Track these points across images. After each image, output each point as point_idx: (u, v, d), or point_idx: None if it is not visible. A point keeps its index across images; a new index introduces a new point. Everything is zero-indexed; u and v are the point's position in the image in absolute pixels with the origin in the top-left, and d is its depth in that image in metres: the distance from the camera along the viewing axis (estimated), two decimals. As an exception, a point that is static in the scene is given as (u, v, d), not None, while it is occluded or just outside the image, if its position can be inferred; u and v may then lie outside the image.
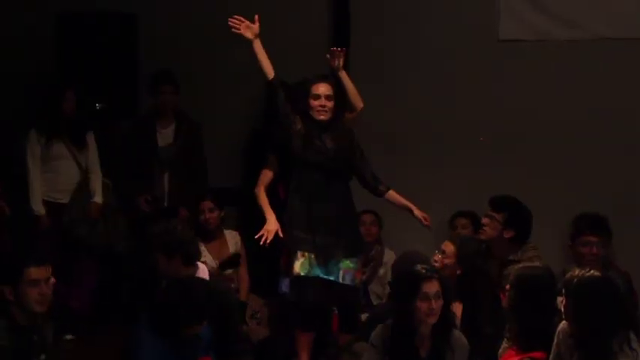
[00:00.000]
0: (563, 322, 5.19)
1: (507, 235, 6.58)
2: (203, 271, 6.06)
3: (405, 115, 8.05)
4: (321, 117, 6.37)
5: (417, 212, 6.54)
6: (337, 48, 6.46)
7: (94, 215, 7.54)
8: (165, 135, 7.78)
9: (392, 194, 6.59)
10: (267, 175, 6.61)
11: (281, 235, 6.31)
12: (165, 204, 7.68)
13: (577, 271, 5.09)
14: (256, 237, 6.33)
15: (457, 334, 5.46)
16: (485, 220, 6.68)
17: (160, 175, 7.70)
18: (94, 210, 7.55)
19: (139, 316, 5.28)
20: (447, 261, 6.26)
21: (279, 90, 6.40)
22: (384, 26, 8.22)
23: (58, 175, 7.52)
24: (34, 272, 4.84)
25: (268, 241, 6.29)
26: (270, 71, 6.37)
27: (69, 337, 7.29)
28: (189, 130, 7.80)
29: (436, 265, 6.12)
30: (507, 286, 5.32)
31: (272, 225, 6.35)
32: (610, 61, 7.69)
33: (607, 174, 7.65)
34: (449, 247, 6.31)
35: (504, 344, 5.63)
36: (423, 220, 6.53)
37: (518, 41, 7.93)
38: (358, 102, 6.54)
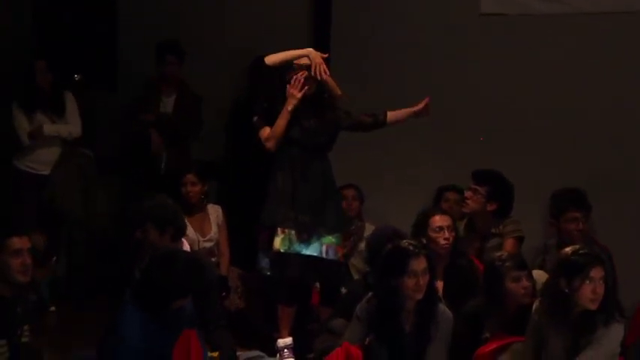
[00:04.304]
0: (537, 301, 5.22)
1: (490, 207, 6.65)
2: (186, 247, 6.06)
3: (386, 90, 8.01)
4: (309, 89, 6.31)
5: (417, 108, 6.43)
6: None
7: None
8: (167, 103, 7.86)
9: (392, 116, 6.47)
10: (266, 130, 6.47)
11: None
12: (163, 166, 7.79)
13: (569, 249, 5.10)
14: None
15: (442, 307, 5.47)
16: (468, 194, 6.73)
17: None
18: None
19: (124, 291, 5.24)
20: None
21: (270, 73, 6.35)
22: (366, 1, 8.17)
23: (41, 146, 7.52)
24: (17, 242, 4.80)
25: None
26: (280, 63, 6.27)
27: (52, 308, 7.29)
28: (189, 103, 7.87)
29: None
30: None
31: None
32: (590, 35, 7.65)
33: (586, 148, 7.64)
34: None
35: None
36: (425, 107, 6.40)
37: (499, 15, 7.89)
38: (336, 91, 6.47)
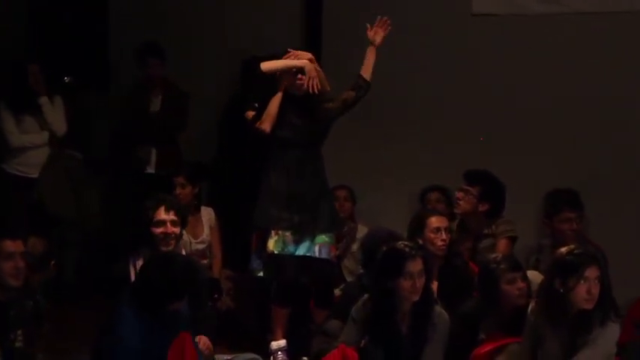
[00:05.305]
0: (533, 301, 5.20)
1: (482, 208, 6.65)
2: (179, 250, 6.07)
3: (379, 89, 7.96)
4: (298, 91, 6.30)
5: (371, 38, 6.42)
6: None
7: None
8: (155, 104, 7.88)
9: (366, 70, 6.42)
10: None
11: None
12: (154, 170, 7.80)
13: (564, 249, 5.09)
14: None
15: (438, 309, 5.45)
16: (459, 195, 6.72)
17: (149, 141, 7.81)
18: None
19: (120, 292, 5.22)
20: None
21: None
22: (357, 1, 8.13)
23: (30, 148, 7.52)
24: (10, 245, 4.77)
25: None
26: (276, 71, 6.27)
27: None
28: (176, 100, 7.87)
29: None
30: None
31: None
32: (585, 35, 7.64)
33: (581, 149, 7.63)
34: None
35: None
36: (375, 28, 6.43)
37: (491, 15, 7.89)
38: (325, 86, 6.45)
